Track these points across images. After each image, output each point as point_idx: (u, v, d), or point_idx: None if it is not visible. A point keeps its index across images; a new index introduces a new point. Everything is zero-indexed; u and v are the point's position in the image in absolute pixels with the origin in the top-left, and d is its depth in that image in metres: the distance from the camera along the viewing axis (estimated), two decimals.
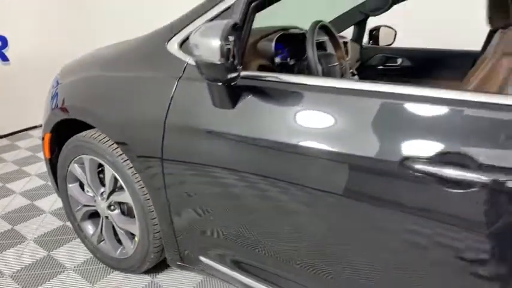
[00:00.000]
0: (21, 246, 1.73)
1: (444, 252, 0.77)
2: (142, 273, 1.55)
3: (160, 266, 1.53)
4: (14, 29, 2.88)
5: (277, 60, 1.33)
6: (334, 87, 0.89)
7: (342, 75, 1.48)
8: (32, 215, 1.98)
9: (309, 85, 0.93)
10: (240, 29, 0.92)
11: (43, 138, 1.62)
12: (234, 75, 0.86)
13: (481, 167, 0.68)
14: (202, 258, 1.26)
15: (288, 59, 1.40)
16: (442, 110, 0.75)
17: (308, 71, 1.27)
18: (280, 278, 1.10)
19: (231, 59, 0.80)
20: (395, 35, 2.36)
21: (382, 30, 2.34)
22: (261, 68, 1.21)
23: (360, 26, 2.21)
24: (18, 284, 1.49)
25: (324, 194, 0.89)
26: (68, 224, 1.84)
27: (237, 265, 1.19)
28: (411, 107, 0.78)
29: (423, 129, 0.76)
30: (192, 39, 0.83)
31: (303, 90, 0.93)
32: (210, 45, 0.79)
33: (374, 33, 2.33)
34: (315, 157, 0.88)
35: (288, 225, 1.00)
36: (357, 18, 2.16)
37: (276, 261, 1.08)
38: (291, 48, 1.46)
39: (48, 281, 1.52)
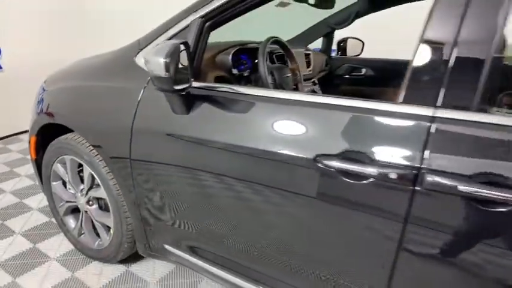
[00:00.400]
0: (10, 239, 1.88)
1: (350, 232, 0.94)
2: (118, 263, 1.70)
3: (134, 256, 1.69)
4: (7, 39, 3.05)
5: (235, 72, 1.51)
6: (267, 97, 1.06)
7: (296, 85, 1.66)
8: (20, 211, 2.14)
9: (251, 95, 1.10)
10: (189, 47, 1.08)
11: (29, 141, 1.79)
12: (182, 86, 1.04)
13: (373, 162, 0.85)
14: (166, 247, 1.42)
15: (246, 71, 1.57)
16: (342, 116, 0.91)
17: (261, 82, 1.44)
18: (231, 261, 1.26)
19: (172, 73, 0.97)
20: (363, 46, 2.54)
21: (349, 41, 2.52)
22: (218, 79, 1.38)
23: (328, 38, 2.40)
24: (6, 272, 1.64)
25: (259, 187, 1.06)
26: (53, 220, 1.99)
27: (196, 252, 1.35)
28: (322, 113, 0.95)
29: (333, 132, 0.93)
30: (145, 56, 1.01)
31: (247, 99, 1.09)
32: (157, 61, 0.96)
33: (342, 45, 2.51)
34: (254, 156, 1.04)
35: (235, 214, 1.17)
36: (324, 31, 2.34)
37: (226, 247, 1.24)
38: (250, 61, 1.63)
39: (33, 269, 1.67)
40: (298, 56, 1.90)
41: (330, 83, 2.36)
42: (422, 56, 0.83)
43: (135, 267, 1.71)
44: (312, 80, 2.06)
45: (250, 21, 2.45)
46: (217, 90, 1.15)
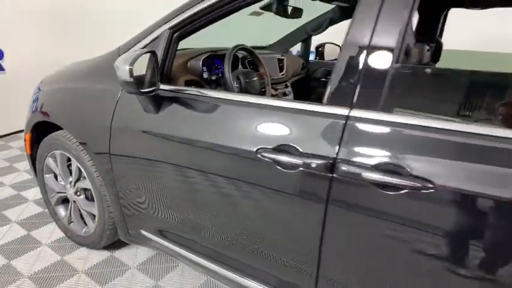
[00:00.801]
0: (7, 227, 2.06)
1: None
2: (104, 249, 1.87)
3: (118, 243, 1.85)
4: (9, 43, 3.24)
5: (206, 76, 1.67)
6: (224, 99, 1.22)
7: (264, 88, 1.82)
8: (17, 202, 2.32)
9: (212, 97, 1.26)
10: (156, 56, 1.25)
11: (25, 138, 1.96)
12: (148, 89, 1.20)
13: (301, 154, 1.00)
14: (143, 232, 1.58)
15: (215, 75, 1.74)
16: (279, 115, 1.07)
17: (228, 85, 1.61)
18: (201, 246, 1.42)
19: (133, 78, 1.14)
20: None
21: (327, 46, 2.68)
22: (189, 83, 1.54)
23: (305, 43, 2.55)
24: (2, 255, 1.82)
25: (217, 177, 1.22)
26: (46, 210, 2.16)
27: (168, 236, 1.51)
28: (264, 113, 1.11)
29: (272, 129, 1.09)
30: (115, 63, 1.17)
31: (208, 101, 1.26)
32: (124, 68, 1.13)
33: (320, 50, 2.67)
34: (211, 149, 1.20)
35: (197, 201, 1.33)
36: (301, 37, 2.50)
37: (193, 232, 1.40)
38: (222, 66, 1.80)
39: (26, 253, 1.85)
40: (270, 61, 2.05)
41: (306, 85, 2.52)
42: (341, 62, 0.99)
43: (119, 253, 1.87)
44: (285, 82, 2.21)
45: (238, 28, 2.61)
46: (184, 93, 1.31)
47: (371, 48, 0.95)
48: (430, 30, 2.10)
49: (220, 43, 2.15)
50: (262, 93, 1.79)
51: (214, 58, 1.74)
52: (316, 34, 2.42)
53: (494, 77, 0.90)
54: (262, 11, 1.90)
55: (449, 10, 2.06)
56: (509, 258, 0.81)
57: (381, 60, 0.94)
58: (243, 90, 1.65)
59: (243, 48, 1.74)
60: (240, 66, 1.85)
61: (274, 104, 1.11)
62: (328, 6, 2.23)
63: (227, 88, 1.59)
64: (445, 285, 0.90)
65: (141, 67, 1.27)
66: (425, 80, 1.00)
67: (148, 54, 1.24)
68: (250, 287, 1.28)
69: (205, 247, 1.38)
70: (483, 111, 0.87)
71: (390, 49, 0.93)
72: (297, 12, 1.91)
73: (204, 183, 1.26)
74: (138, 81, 1.19)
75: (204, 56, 1.67)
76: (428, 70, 1.09)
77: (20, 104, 3.34)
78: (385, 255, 0.97)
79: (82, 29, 3.76)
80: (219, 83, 1.73)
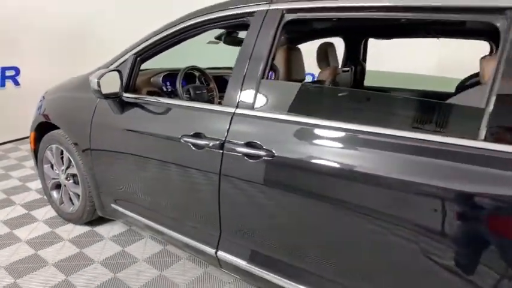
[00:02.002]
0: (10, 208, 2.57)
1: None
2: (86, 224, 2.35)
3: (96, 221, 2.34)
4: (24, 61, 3.86)
5: (164, 88, 2.20)
6: (167, 103, 1.73)
7: (212, 97, 2.33)
8: (23, 190, 2.84)
9: (161, 102, 1.77)
10: (121, 73, 1.77)
11: (30, 135, 2.50)
12: (113, 96, 1.72)
13: (206, 138, 1.48)
14: (112, 205, 2.07)
15: (172, 88, 2.27)
16: (197, 113, 1.57)
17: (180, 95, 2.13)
18: (150, 211, 1.89)
19: (99, 87, 1.66)
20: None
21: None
22: (150, 93, 2.06)
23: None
24: (5, 225, 2.32)
25: (157, 158, 1.71)
26: (45, 196, 2.66)
27: (128, 207, 1.99)
28: (189, 112, 1.61)
29: (192, 122, 1.57)
30: (90, 77, 1.70)
31: (158, 105, 1.76)
32: (94, 81, 1.65)
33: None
34: (156, 138, 1.69)
35: (150, 180, 1.81)
36: None
37: (146, 201, 1.88)
38: (185, 81, 2.33)
39: (24, 226, 2.34)
40: (222, 78, 2.56)
41: None
42: (231, 79, 1.49)
43: (98, 228, 2.35)
44: None
45: (216, 53, 3.12)
46: (141, 99, 1.82)
47: (248, 71, 1.44)
48: (354, 56, 2.60)
49: (201, 64, 2.69)
50: (209, 101, 2.30)
51: (173, 75, 2.27)
52: None
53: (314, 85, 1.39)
54: (218, 40, 2.43)
55: (367, 40, 2.57)
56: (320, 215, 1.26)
57: (253, 78, 1.43)
58: (194, 99, 2.16)
59: (195, 68, 2.27)
60: (197, 81, 2.37)
61: (196, 106, 1.61)
62: None
63: (179, 97, 2.11)
64: (288, 225, 1.36)
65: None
66: (279, 88, 1.48)
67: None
68: (185, 242, 1.74)
69: (155, 213, 1.86)
70: (312, 109, 1.35)
71: (258, 70, 1.42)
72: (238, 42, 2.44)
73: (152, 163, 1.76)
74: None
75: (164, 74, 2.20)
76: (279, 83, 1.58)
77: (32, 114, 3.93)
78: (258, 209, 1.43)
79: (87, 50, 4.36)
80: (176, 94, 2.24)
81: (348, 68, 2.47)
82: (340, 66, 2.58)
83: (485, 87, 1.03)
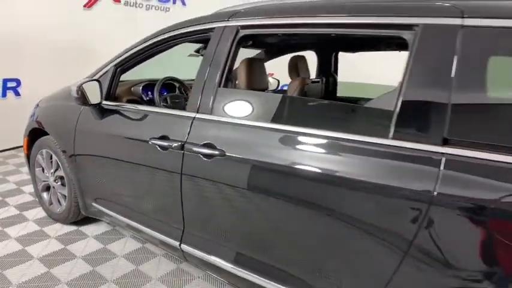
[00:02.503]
0: (4, 209, 2.74)
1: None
2: (72, 224, 2.52)
3: (84, 221, 2.50)
4: (25, 73, 4.10)
5: (144, 97, 2.38)
6: (142, 110, 1.91)
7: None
8: (17, 193, 3.02)
9: (137, 109, 1.95)
10: (100, 83, 1.96)
11: (23, 141, 2.69)
12: (93, 103, 1.90)
13: (170, 140, 1.65)
14: (93, 204, 2.23)
15: (151, 96, 2.45)
16: (162, 117, 1.74)
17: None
18: (132, 211, 2.05)
19: (79, 95, 1.85)
20: (279, 83, 3.38)
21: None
22: (130, 101, 2.24)
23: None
24: (0, 226, 2.50)
25: (136, 164, 1.87)
26: (37, 198, 2.84)
27: (107, 205, 2.15)
28: (159, 117, 1.78)
29: (159, 125, 1.74)
30: (71, 87, 1.88)
31: (135, 111, 1.93)
32: (74, 89, 1.84)
33: None
34: (133, 141, 1.86)
35: (126, 180, 1.98)
36: None
37: (124, 201, 2.04)
38: (166, 90, 2.51)
39: (16, 224, 2.51)
40: None
41: None
42: (193, 88, 1.66)
43: (83, 228, 2.51)
44: None
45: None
46: (119, 106, 2.01)
47: (207, 81, 1.61)
48: (325, 68, 2.77)
49: (183, 75, 2.89)
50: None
51: (152, 85, 2.45)
52: None
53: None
54: (197, 53, 2.62)
55: (338, 53, 2.74)
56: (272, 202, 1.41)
57: (212, 86, 1.60)
58: (170, 107, 2.34)
59: (172, 78, 2.45)
60: (177, 91, 2.56)
61: (164, 112, 1.79)
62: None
63: (156, 105, 2.29)
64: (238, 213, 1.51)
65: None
66: (233, 95, 1.65)
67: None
68: (154, 235, 1.89)
69: (128, 210, 2.02)
70: (256, 114, 1.51)
71: (216, 79, 1.59)
72: None
73: (125, 164, 1.93)
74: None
75: (144, 84, 2.39)
76: (233, 90, 1.76)
77: None
78: (213, 205, 1.58)
79: (85, 62, 4.59)
80: (153, 102, 2.43)
81: (318, 79, 2.64)
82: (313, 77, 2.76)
83: (395, 92, 1.18)
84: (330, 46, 2.69)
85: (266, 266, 1.47)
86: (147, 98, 2.41)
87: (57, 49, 4.32)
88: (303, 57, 2.57)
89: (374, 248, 1.17)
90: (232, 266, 1.57)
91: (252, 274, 1.50)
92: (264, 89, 1.97)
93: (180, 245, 1.74)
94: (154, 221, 1.89)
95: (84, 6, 4.49)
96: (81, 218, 2.49)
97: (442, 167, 1.04)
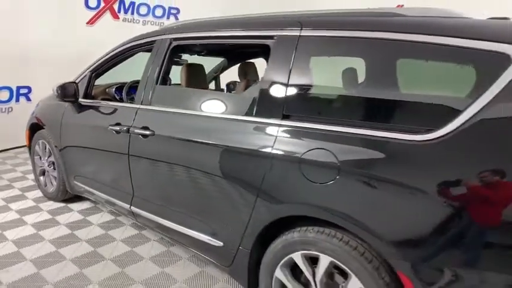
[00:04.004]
0: (10, 190, 3.33)
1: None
2: (62, 202, 3.07)
3: (73, 199, 3.05)
4: (35, 80, 4.76)
5: (116, 96, 2.92)
6: (112, 105, 2.44)
7: None
8: (22, 179, 3.61)
9: (105, 104, 2.49)
10: (77, 85, 2.51)
11: (25, 133, 3.29)
12: (70, 100, 2.46)
13: (122, 125, 2.16)
14: (75, 182, 2.77)
15: (120, 95, 3.00)
16: (123, 109, 2.26)
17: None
18: (100, 184, 2.58)
19: (57, 94, 2.41)
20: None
21: (237, 84, 3.86)
22: (104, 99, 2.79)
23: (215, 81, 3.77)
24: (5, 202, 3.07)
25: (100, 146, 2.40)
26: (36, 182, 3.41)
27: (85, 182, 2.68)
28: (125, 109, 2.30)
29: (117, 115, 2.26)
30: (52, 87, 2.45)
31: (107, 106, 2.47)
32: (54, 89, 2.40)
33: (230, 86, 3.86)
34: (97, 127, 2.40)
35: (99, 161, 2.51)
36: (211, 76, 3.72)
37: (98, 178, 2.57)
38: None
39: (17, 202, 3.08)
40: None
41: None
42: (140, 81, 2.18)
43: (70, 204, 3.06)
44: None
45: None
46: (92, 103, 2.55)
47: (148, 80, 2.13)
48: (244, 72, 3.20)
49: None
50: None
51: (123, 87, 3.00)
52: (217, 75, 3.64)
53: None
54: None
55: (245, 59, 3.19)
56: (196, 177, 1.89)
57: (151, 84, 2.12)
58: (132, 102, 2.86)
59: (138, 81, 3.00)
60: None
61: (121, 105, 2.32)
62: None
63: (124, 101, 2.84)
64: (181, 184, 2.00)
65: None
66: (165, 91, 2.15)
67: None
68: (112, 201, 2.41)
69: (95, 183, 2.55)
70: (176, 102, 2.00)
71: (154, 79, 2.10)
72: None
73: (94, 147, 2.46)
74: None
75: (116, 86, 2.94)
76: (165, 87, 2.23)
77: None
78: (149, 174, 2.09)
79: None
80: (122, 100, 2.97)
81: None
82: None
83: (259, 85, 1.66)
84: (233, 53, 3.17)
85: (184, 216, 1.96)
86: (119, 97, 2.95)
87: (64, 60, 4.97)
88: (251, 63, 3.06)
89: (242, 195, 1.63)
90: (162, 220, 2.06)
91: (175, 224, 1.99)
92: (200, 86, 2.46)
93: (130, 207, 2.25)
94: (113, 190, 2.41)
95: (87, 23, 5.17)
96: (69, 197, 3.05)
97: (278, 133, 1.51)
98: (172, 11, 6.02)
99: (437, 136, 1.16)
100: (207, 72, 3.72)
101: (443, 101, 1.24)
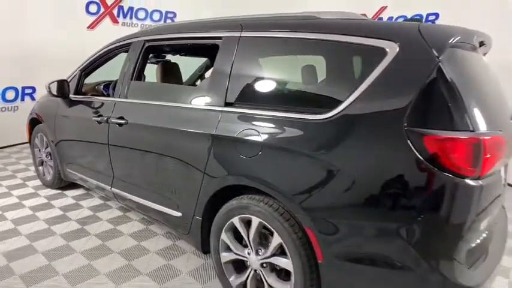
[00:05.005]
0: (13, 179, 3.69)
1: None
2: (58, 189, 3.41)
3: (67, 187, 3.39)
4: (39, 81, 5.13)
5: (104, 93, 3.25)
6: (100, 100, 2.77)
7: None
8: (25, 171, 3.98)
9: (91, 99, 2.81)
10: (68, 82, 2.84)
11: (26, 128, 3.64)
12: (60, 95, 2.79)
13: (101, 115, 2.48)
14: (69, 170, 3.10)
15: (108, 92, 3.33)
16: (107, 103, 2.58)
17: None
18: (92, 171, 2.90)
19: (49, 89, 2.75)
20: None
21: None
22: (93, 95, 3.12)
23: (201, 78, 4.07)
24: (7, 189, 3.43)
25: (85, 135, 2.73)
26: (36, 172, 3.76)
27: (73, 168, 3.01)
28: (106, 104, 2.63)
29: (101, 107, 2.58)
30: (45, 84, 2.78)
31: (95, 101, 2.79)
32: (46, 86, 2.74)
33: None
34: (83, 119, 2.72)
35: (88, 149, 2.83)
36: (197, 75, 4.02)
37: (86, 164, 2.90)
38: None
39: (18, 189, 3.43)
40: None
41: None
42: (118, 77, 2.50)
43: (66, 191, 3.40)
44: None
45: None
46: (81, 98, 2.88)
47: (125, 76, 2.44)
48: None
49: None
50: None
51: (110, 84, 3.33)
52: (202, 73, 3.94)
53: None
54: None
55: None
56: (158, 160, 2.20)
57: (127, 80, 2.43)
58: None
59: None
60: None
61: (104, 99, 2.64)
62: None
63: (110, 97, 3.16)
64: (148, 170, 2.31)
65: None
66: (137, 86, 2.44)
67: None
68: (96, 184, 2.74)
69: (82, 168, 2.88)
70: (143, 95, 2.31)
71: (130, 75, 2.42)
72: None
73: (79, 136, 2.79)
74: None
75: (104, 83, 3.27)
76: (138, 82, 2.51)
77: None
78: (125, 158, 2.40)
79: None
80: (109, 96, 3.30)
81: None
82: None
83: (207, 79, 1.95)
84: (195, 52, 3.48)
85: (153, 193, 2.26)
86: (106, 93, 3.28)
87: (66, 62, 5.28)
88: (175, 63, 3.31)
89: (194, 171, 1.92)
90: (137, 198, 2.36)
91: (146, 201, 2.30)
92: (174, 82, 2.76)
93: (111, 188, 2.57)
94: (96, 174, 2.73)
95: (88, 27, 5.55)
96: (64, 185, 3.39)
97: (220, 118, 1.80)
98: (169, 15, 6.37)
99: (328, 116, 1.44)
100: (193, 72, 4.07)
101: (336, 90, 1.54)
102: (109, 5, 5.72)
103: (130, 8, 5.96)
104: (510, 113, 1.74)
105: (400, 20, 5.54)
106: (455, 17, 4.76)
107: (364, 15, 5.09)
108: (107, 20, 5.77)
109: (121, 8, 5.86)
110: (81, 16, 5.51)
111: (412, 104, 1.31)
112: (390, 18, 5.61)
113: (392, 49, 1.39)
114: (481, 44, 1.69)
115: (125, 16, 5.95)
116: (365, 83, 1.40)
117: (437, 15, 5.11)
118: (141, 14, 6.11)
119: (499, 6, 4.27)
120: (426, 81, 1.31)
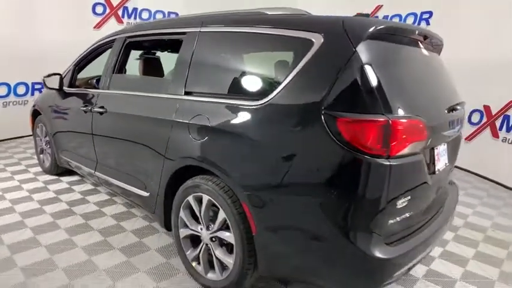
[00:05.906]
0: (18, 166, 4.00)
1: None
2: (56, 175, 3.68)
3: (64, 173, 3.66)
4: None
5: (96, 85, 3.49)
6: (91, 92, 3.01)
7: None
8: (29, 159, 4.29)
9: (82, 92, 3.06)
10: (62, 77, 3.10)
11: (29, 119, 3.94)
12: (55, 88, 3.05)
13: (87, 106, 2.71)
14: (62, 156, 3.36)
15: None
16: (93, 94, 2.82)
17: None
18: (84, 159, 3.15)
19: (44, 82, 3.01)
20: None
21: None
22: (86, 88, 3.36)
23: None
24: (11, 174, 3.73)
25: (74, 123, 2.97)
26: (37, 160, 4.05)
27: (68, 156, 3.26)
28: (97, 96, 2.86)
29: (87, 98, 2.82)
30: (43, 78, 3.04)
31: (86, 93, 3.04)
32: (43, 79, 3.00)
33: None
34: (73, 109, 2.97)
35: (78, 136, 3.08)
36: None
37: (79, 151, 3.15)
38: None
39: (20, 175, 3.73)
40: None
41: None
42: (102, 71, 2.73)
43: (62, 177, 3.67)
44: None
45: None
46: (73, 91, 3.13)
47: (108, 70, 2.67)
48: None
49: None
50: None
51: None
52: None
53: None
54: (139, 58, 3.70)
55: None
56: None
57: (109, 73, 2.66)
58: None
59: None
60: None
61: (91, 91, 2.88)
62: None
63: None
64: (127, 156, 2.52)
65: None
66: (118, 78, 2.66)
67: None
68: (83, 168, 2.98)
69: (71, 154, 3.13)
70: (122, 86, 2.52)
71: (112, 69, 2.64)
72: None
73: (70, 124, 3.04)
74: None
75: (97, 78, 3.51)
76: (117, 75, 2.73)
77: None
78: (105, 143, 2.62)
79: (95, 71, 5.94)
80: None
81: None
82: None
83: (173, 70, 2.14)
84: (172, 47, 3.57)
85: (126, 175, 2.47)
86: (97, 86, 3.54)
87: (73, 59, 5.69)
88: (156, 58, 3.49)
89: (157, 154, 2.12)
90: (115, 180, 2.58)
91: (122, 183, 2.51)
92: (155, 75, 2.96)
93: (94, 172, 2.80)
94: (83, 159, 2.97)
95: (94, 27, 5.86)
96: (61, 172, 3.66)
97: (178, 106, 1.99)
98: (172, 16, 6.63)
99: (261, 103, 1.61)
100: None
101: (272, 79, 1.71)
102: (114, 6, 6.02)
103: (135, 9, 6.25)
104: (448, 105, 1.85)
105: (395, 18, 5.60)
106: (449, 15, 4.81)
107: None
108: (112, 20, 6.06)
109: (126, 8, 6.15)
110: (88, 17, 5.83)
111: (330, 91, 1.45)
112: (386, 16, 5.67)
113: (318, 40, 1.54)
114: (425, 38, 1.82)
115: (129, 16, 6.23)
116: (294, 71, 1.56)
117: (431, 13, 5.14)
118: (145, 15, 6.38)
119: (491, 3, 4.29)
120: (343, 69, 1.45)
